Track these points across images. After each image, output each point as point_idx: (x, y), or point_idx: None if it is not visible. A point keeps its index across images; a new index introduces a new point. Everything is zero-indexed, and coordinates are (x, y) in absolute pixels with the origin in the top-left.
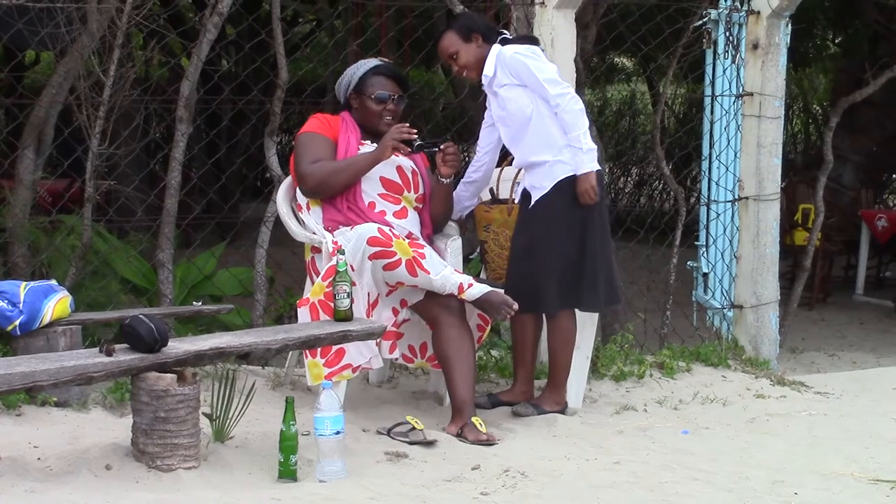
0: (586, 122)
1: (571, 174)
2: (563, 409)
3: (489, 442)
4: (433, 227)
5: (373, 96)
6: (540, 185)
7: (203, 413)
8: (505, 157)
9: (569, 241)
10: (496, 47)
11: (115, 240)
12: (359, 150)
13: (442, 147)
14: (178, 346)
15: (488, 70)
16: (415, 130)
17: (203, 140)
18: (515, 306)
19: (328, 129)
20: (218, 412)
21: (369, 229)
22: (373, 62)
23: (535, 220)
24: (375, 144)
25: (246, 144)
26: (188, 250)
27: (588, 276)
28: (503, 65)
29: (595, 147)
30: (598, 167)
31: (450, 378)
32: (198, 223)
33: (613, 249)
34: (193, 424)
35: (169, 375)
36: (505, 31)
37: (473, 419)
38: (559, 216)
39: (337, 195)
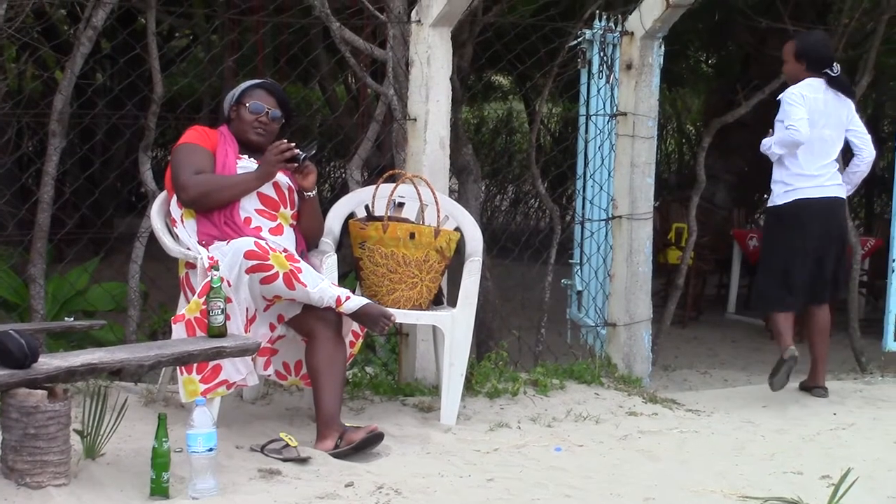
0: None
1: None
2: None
3: (377, 433)
4: (307, 244)
5: (247, 104)
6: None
7: (74, 430)
8: (381, 173)
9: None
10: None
11: None
12: (236, 163)
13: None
14: (49, 362)
15: None
16: (293, 144)
17: (76, 154)
18: (394, 318)
19: (206, 141)
20: (89, 429)
21: (246, 243)
22: (262, 81)
23: None
24: (252, 160)
25: (120, 159)
26: (61, 265)
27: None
28: None
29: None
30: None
31: (318, 391)
32: (71, 238)
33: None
34: (64, 441)
35: (39, 392)
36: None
37: (347, 424)
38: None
39: (214, 210)
